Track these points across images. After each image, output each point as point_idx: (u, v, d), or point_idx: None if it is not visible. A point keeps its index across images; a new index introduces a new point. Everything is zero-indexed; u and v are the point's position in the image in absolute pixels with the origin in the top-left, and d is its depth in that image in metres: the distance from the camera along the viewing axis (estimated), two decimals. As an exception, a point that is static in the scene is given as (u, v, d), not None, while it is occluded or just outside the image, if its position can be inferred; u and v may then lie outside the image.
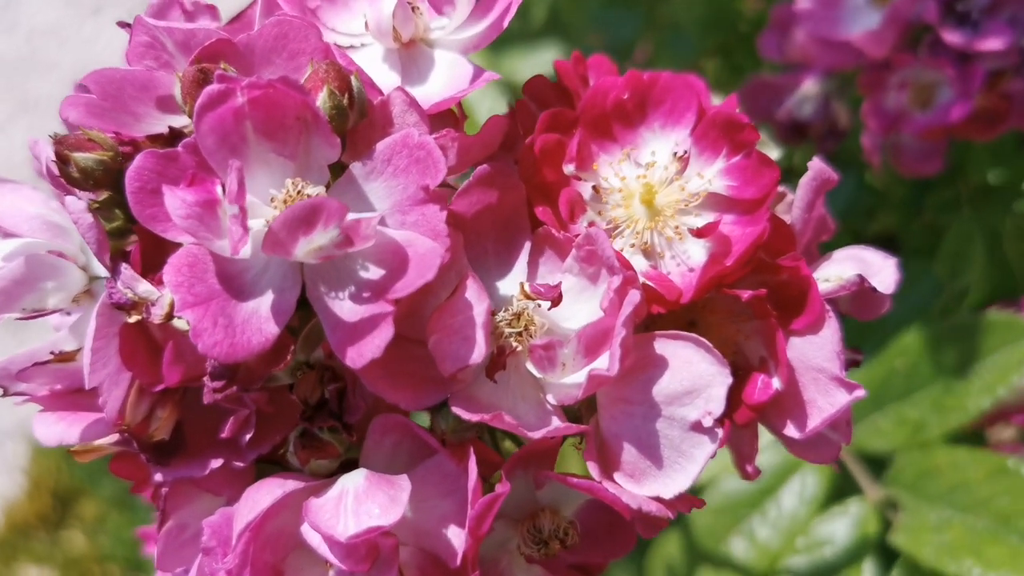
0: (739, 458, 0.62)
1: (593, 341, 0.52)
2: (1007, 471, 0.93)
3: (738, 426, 0.59)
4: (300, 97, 0.49)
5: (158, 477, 0.57)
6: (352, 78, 0.53)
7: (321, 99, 0.51)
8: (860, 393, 0.56)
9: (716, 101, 0.65)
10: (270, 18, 0.54)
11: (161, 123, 0.56)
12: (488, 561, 0.57)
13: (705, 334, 0.58)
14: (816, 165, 0.59)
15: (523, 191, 0.58)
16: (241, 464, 0.56)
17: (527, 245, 0.58)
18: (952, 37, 0.91)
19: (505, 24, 0.58)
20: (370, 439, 0.55)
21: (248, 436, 0.56)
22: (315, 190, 0.50)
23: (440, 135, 0.54)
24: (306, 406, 0.54)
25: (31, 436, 2.83)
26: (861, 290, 0.60)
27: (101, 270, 0.55)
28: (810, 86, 1.05)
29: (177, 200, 0.48)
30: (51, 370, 0.55)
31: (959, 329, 1.00)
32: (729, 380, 0.52)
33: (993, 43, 0.90)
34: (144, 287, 0.51)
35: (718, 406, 0.52)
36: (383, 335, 0.48)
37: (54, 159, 0.52)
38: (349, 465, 0.56)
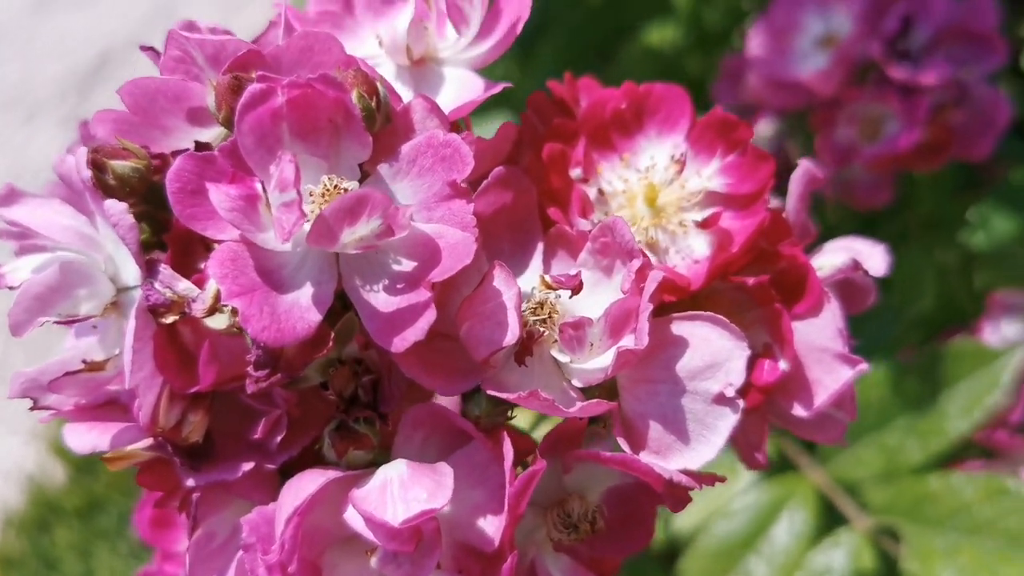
0: (748, 447, 0.64)
1: (618, 321, 0.55)
2: (1008, 492, 0.98)
3: (747, 411, 0.62)
4: (337, 95, 0.52)
5: (190, 482, 0.57)
6: (378, 83, 0.56)
7: (353, 98, 0.54)
8: (863, 367, 0.59)
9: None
10: (295, 32, 0.57)
11: (188, 137, 0.58)
12: (518, 552, 0.58)
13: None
14: (805, 163, 0.64)
15: (535, 194, 0.61)
16: (272, 466, 0.57)
17: (540, 245, 0.61)
18: (896, 72, 0.99)
19: (511, 41, 0.62)
20: (401, 434, 0.57)
21: (279, 438, 0.57)
22: (351, 184, 0.53)
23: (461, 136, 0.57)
24: (341, 399, 0.55)
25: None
26: (849, 280, 0.64)
27: (129, 280, 0.56)
28: (763, 127, 1.11)
29: (221, 194, 0.50)
30: (82, 380, 0.56)
31: (922, 363, 1.06)
32: (747, 352, 0.55)
33: (933, 77, 0.98)
34: (184, 284, 0.53)
35: (738, 377, 0.55)
36: (426, 319, 0.50)
37: (89, 168, 0.54)
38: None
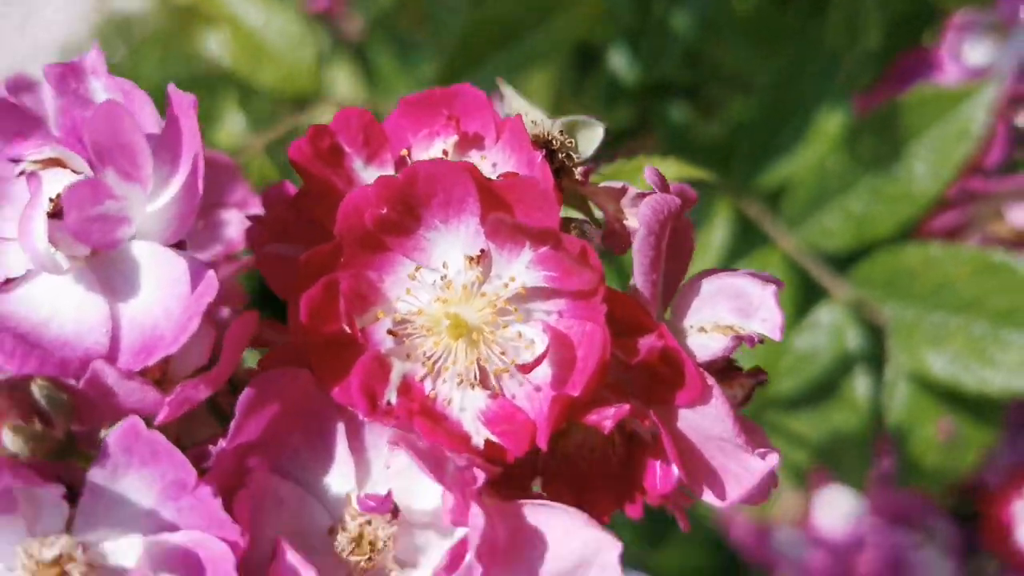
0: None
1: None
2: (995, 267, 0.86)
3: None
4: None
5: None
6: (34, 387, 0.41)
7: (9, 441, 0.40)
8: (774, 459, 0.48)
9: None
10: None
11: None
12: None
13: (584, 433, 0.50)
14: (650, 207, 0.47)
15: (306, 377, 0.47)
16: None
17: (340, 425, 0.48)
18: None
19: (196, 190, 0.44)
20: None
21: None
22: (52, 552, 0.40)
23: (177, 393, 0.43)
24: None
25: None
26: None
27: None
28: None
29: None
30: None
31: (878, 118, 0.89)
32: (618, 545, 0.44)
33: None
34: None
35: (615, 571, 0.45)
36: None
37: None
38: None
